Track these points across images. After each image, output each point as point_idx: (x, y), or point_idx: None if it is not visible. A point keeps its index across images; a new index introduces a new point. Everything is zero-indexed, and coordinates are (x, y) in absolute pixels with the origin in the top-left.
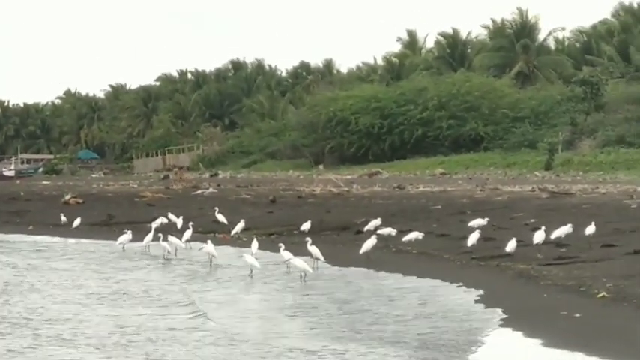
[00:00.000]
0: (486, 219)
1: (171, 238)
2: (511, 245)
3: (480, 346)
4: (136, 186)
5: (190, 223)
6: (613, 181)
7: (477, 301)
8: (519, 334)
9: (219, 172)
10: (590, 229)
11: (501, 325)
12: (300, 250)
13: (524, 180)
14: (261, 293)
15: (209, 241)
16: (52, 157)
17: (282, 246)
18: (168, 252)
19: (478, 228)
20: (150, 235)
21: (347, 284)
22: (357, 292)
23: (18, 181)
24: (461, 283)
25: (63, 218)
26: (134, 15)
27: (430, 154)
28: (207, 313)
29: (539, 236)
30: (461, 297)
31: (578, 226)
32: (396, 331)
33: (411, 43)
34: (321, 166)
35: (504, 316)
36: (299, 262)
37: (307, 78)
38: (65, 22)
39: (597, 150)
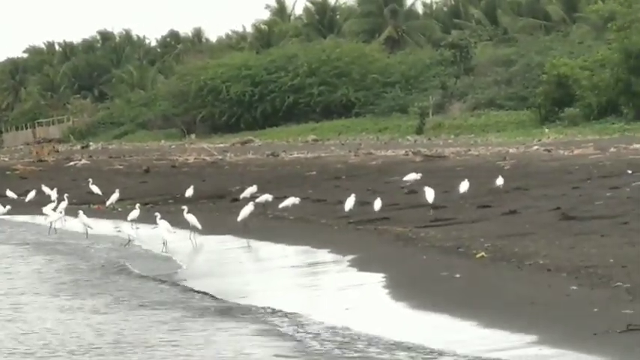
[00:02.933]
0: (419, 174)
1: (45, 209)
2: (377, 204)
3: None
4: (7, 159)
5: (65, 195)
6: (484, 143)
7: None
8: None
9: (91, 143)
10: (464, 187)
11: (384, 287)
12: (176, 220)
13: (397, 144)
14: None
15: (80, 212)
16: None
17: (159, 215)
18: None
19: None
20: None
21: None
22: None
23: None
24: (330, 249)
25: None
26: None
27: (302, 121)
28: None
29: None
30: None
31: (452, 188)
32: None
33: (280, 10)
34: (193, 136)
35: (383, 279)
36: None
37: (177, 47)
38: None
39: (468, 113)
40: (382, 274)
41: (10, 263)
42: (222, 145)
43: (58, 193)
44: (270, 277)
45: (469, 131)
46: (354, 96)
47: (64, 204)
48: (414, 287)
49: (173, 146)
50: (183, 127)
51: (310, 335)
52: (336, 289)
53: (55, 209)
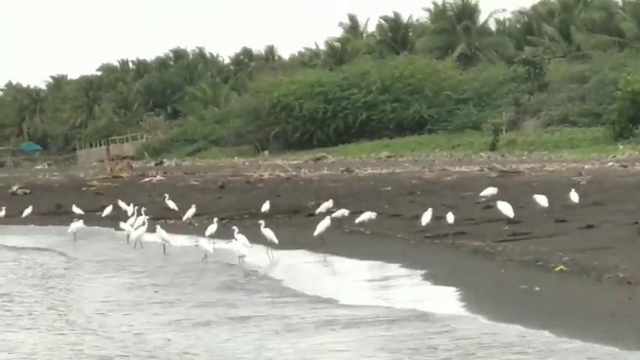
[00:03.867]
0: (495, 188)
1: (123, 225)
2: (450, 218)
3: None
4: (82, 176)
5: (143, 209)
6: (558, 159)
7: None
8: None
9: (164, 160)
10: (543, 201)
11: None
12: (253, 234)
13: (470, 161)
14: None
15: (158, 227)
16: None
17: (236, 229)
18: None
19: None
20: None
21: None
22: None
23: None
24: (406, 263)
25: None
26: (74, 4)
27: (374, 138)
28: None
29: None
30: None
31: (527, 203)
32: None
33: (353, 27)
34: (266, 152)
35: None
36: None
37: (249, 65)
38: (3, 14)
39: (541, 129)
40: (457, 288)
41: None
42: (295, 161)
43: (134, 208)
44: (351, 290)
45: (543, 148)
46: (426, 113)
47: (142, 218)
48: (493, 300)
49: (247, 163)
50: (257, 144)
51: None
52: (411, 301)
53: (132, 224)
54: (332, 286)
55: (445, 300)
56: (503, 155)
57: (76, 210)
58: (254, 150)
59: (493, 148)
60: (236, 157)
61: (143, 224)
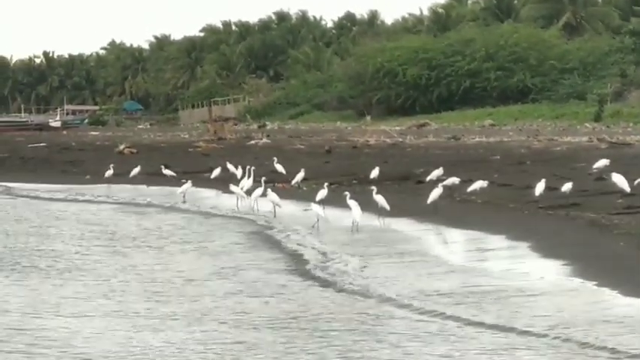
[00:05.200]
0: (608, 160)
1: (233, 187)
2: (567, 186)
3: None
4: (186, 137)
5: (252, 168)
6: None
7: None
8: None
9: (267, 123)
10: None
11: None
12: (361, 200)
13: (575, 131)
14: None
15: (269, 190)
16: (97, 108)
17: (348, 194)
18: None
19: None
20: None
21: None
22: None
23: (64, 132)
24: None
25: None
26: None
27: (477, 106)
28: None
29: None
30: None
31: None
32: None
33: None
34: (368, 118)
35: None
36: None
37: (352, 29)
38: None
39: None
40: (571, 260)
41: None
42: (398, 127)
43: (246, 169)
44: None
45: None
46: (530, 82)
47: (249, 181)
48: (614, 274)
49: (349, 128)
50: (364, 109)
51: None
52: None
53: (242, 187)
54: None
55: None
56: (608, 126)
57: (167, 172)
58: (356, 115)
59: (598, 118)
60: (339, 122)
61: (263, 190)
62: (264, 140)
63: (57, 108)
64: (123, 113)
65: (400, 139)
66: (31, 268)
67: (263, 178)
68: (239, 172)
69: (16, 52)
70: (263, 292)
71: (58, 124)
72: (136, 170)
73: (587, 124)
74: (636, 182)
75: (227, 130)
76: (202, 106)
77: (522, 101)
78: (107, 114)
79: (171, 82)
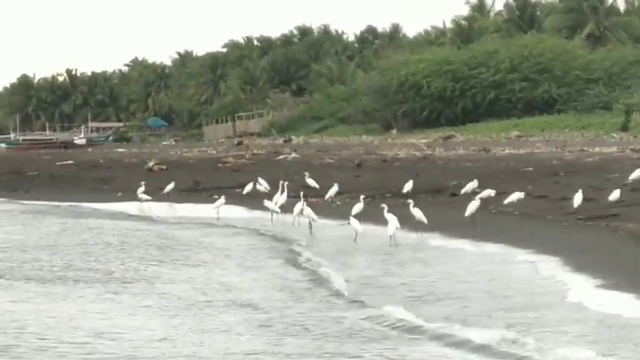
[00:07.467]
0: None
1: (267, 203)
2: (615, 195)
3: None
4: (214, 152)
5: (285, 183)
6: None
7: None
8: None
9: (292, 137)
10: None
11: None
12: (397, 214)
13: (602, 141)
14: None
15: (304, 204)
16: (120, 124)
17: (386, 207)
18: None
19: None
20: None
21: None
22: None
23: (89, 149)
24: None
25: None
26: None
27: (503, 117)
28: None
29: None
30: None
31: None
32: None
33: (480, 5)
34: (394, 131)
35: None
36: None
37: (374, 43)
38: None
39: None
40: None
41: None
42: (424, 140)
43: (280, 184)
44: None
45: None
46: (556, 92)
47: (283, 196)
48: None
49: (376, 141)
50: (392, 122)
51: None
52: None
53: (276, 202)
54: None
55: None
56: (635, 136)
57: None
58: (381, 128)
59: (625, 128)
60: (364, 135)
61: (302, 208)
62: (294, 155)
63: (81, 125)
64: (147, 130)
65: (430, 152)
66: None
67: (302, 193)
68: (267, 187)
69: (39, 71)
70: None
71: (82, 141)
72: (170, 186)
73: (614, 135)
74: None
75: (252, 145)
76: (226, 122)
77: (548, 112)
78: (131, 131)
79: (195, 98)
